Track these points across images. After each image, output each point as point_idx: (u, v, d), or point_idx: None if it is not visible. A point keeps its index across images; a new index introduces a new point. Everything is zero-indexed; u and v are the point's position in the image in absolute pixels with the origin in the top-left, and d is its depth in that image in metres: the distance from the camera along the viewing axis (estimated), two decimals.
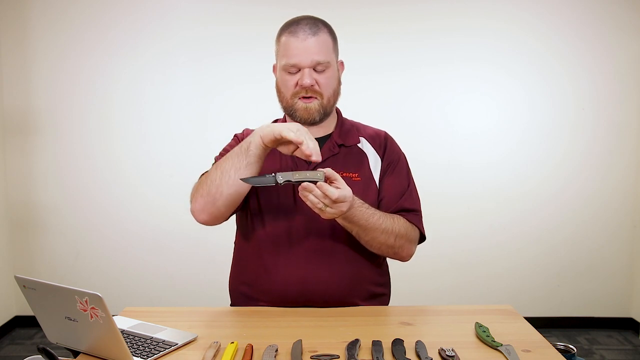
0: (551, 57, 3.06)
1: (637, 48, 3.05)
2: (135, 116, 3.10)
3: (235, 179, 1.25)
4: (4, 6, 3.03)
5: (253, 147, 1.23)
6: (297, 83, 1.32)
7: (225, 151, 1.44)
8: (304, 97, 1.33)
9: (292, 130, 1.19)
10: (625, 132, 3.10)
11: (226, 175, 1.26)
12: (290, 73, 1.32)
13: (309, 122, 1.36)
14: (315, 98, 1.33)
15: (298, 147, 1.20)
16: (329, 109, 1.37)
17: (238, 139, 1.47)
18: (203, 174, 1.38)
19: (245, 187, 1.28)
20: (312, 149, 1.17)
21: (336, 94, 1.39)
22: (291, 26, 1.33)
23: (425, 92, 3.11)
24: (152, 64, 3.06)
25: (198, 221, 1.34)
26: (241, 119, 2.93)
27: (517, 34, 3.05)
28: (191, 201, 1.34)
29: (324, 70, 1.32)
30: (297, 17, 1.36)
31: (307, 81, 1.30)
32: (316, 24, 1.33)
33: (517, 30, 3.05)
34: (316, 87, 1.32)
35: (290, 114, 1.37)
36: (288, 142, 1.21)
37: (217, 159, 1.44)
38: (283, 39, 1.33)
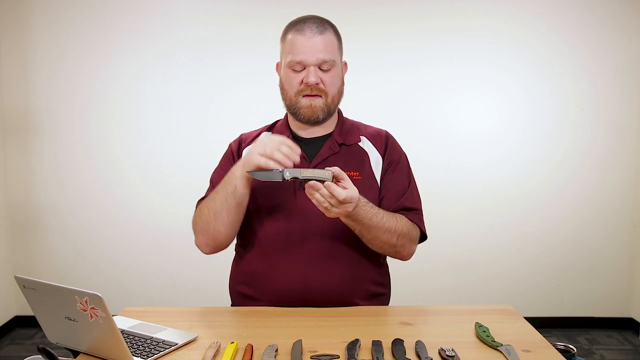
0: (551, 57, 3.06)
1: (637, 48, 3.05)
2: (135, 116, 3.10)
3: (229, 218, 1.30)
4: (4, 6, 3.03)
5: (239, 189, 1.27)
6: (302, 81, 1.32)
7: (221, 169, 1.45)
8: (308, 95, 1.33)
9: (261, 153, 1.21)
10: (625, 132, 3.10)
11: (219, 216, 1.31)
12: (295, 71, 1.32)
13: (312, 121, 1.36)
14: (320, 96, 1.33)
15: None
16: (332, 108, 1.38)
17: (232, 150, 1.47)
18: (200, 201, 1.42)
19: (238, 221, 1.33)
20: (290, 156, 1.20)
21: (340, 93, 1.39)
22: (298, 24, 1.33)
23: (425, 92, 3.11)
24: (152, 64, 3.06)
25: (204, 253, 1.41)
26: (241, 119, 2.96)
27: (517, 34, 3.05)
28: (194, 233, 1.39)
29: (329, 69, 1.33)
30: (304, 16, 1.36)
31: (312, 79, 1.30)
32: (323, 23, 1.34)
33: (517, 30, 3.05)
34: (321, 85, 1.32)
35: (294, 112, 1.37)
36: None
37: (212, 179, 1.46)
38: (289, 36, 1.33)
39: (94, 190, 3.13)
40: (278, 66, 1.41)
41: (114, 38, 3.05)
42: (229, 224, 1.32)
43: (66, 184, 3.13)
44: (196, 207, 1.41)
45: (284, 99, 1.38)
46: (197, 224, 1.37)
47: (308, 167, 1.36)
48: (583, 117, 3.09)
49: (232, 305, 1.45)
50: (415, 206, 1.42)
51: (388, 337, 1.11)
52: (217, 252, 1.40)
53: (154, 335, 1.13)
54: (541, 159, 3.12)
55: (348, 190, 1.17)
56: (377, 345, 1.08)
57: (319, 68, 1.31)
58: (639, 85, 3.08)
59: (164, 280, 3.15)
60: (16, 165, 3.12)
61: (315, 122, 1.37)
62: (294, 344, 1.08)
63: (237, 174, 1.28)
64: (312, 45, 1.30)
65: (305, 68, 1.31)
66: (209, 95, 3.09)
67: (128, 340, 1.11)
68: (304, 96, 1.33)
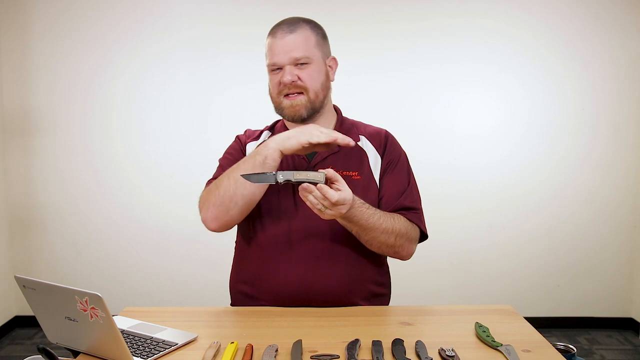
0: (551, 57, 3.06)
1: (637, 48, 3.05)
2: (135, 116, 3.10)
3: (251, 189, 1.27)
4: (4, 6, 3.03)
5: (270, 160, 1.25)
6: (279, 81, 1.33)
7: (229, 154, 1.45)
8: (288, 95, 1.34)
9: (322, 132, 1.24)
10: (625, 132, 3.10)
11: (241, 186, 1.27)
12: (274, 73, 1.35)
13: (296, 119, 1.37)
14: (301, 93, 1.34)
15: (316, 146, 1.25)
16: (317, 104, 1.37)
17: (240, 140, 1.48)
18: (209, 181, 1.39)
19: (259, 194, 1.31)
20: (345, 139, 1.24)
21: (325, 89, 1.38)
22: (273, 28, 1.37)
23: (425, 92, 3.11)
24: (152, 64, 3.06)
25: (209, 229, 1.35)
26: (241, 119, 2.95)
27: (517, 34, 3.05)
28: (201, 210, 1.34)
29: (306, 66, 1.33)
30: (279, 21, 1.39)
31: (287, 78, 1.32)
32: (296, 22, 1.35)
33: (517, 30, 3.05)
34: (299, 82, 1.33)
35: (280, 113, 1.39)
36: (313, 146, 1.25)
37: (221, 161, 1.45)
38: (266, 40, 1.37)
39: (94, 190, 3.13)
40: None
41: (114, 38, 3.05)
42: (249, 196, 1.28)
43: (66, 184, 3.13)
44: (206, 186, 1.39)
45: (272, 101, 1.40)
46: (211, 196, 1.31)
47: (307, 167, 1.37)
48: (583, 117, 3.09)
49: (232, 305, 1.45)
50: (415, 205, 1.42)
51: (388, 337, 1.11)
52: (222, 229, 1.35)
53: (154, 335, 1.13)
54: (541, 159, 3.12)
55: (341, 192, 1.17)
56: (377, 345, 1.08)
57: (295, 66, 1.32)
58: (639, 85, 3.08)
59: (164, 280, 3.15)
60: (16, 165, 3.12)
61: (301, 120, 1.37)
62: (294, 344, 1.08)
63: (270, 145, 1.26)
64: (283, 45, 1.32)
65: (281, 69, 1.33)
66: (209, 95, 3.09)
67: (128, 340, 1.11)
68: (285, 96, 1.35)
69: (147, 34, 3.05)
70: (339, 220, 1.26)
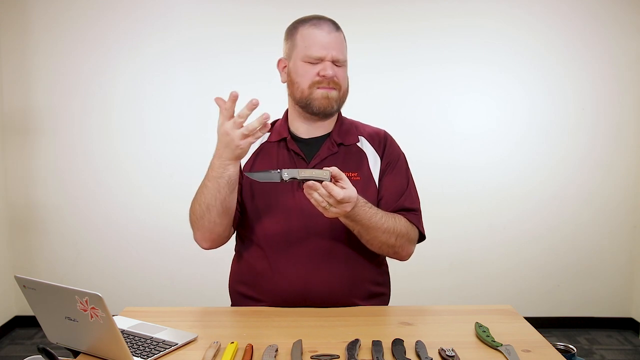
0: (551, 57, 3.06)
1: (637, 48, 3.05)
2: (135, 116, 3.10)
3: (220, 206, 1.28)
4: (4, 6, 3.03)
5: (233, 175, 1.26)
6: (317, 73, 1.32)
7: None
8: (324, 87, 1.33)
9: (244, 136, 1.23)
10: (625, 132, 3.10)
11: (213, 209, 1.28)
12: (311, 64, 1.33)
13: (327, 112, 1.36)
14: (334, 89, 1.34)
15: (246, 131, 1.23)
16: (342, 103, 1.40)
17: None
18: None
19: (233, 204, 1.31)
20: (259, 122, 1.22)
21: (348, 90, 1.40)
22: (312, 20, 1.35)
23: (425, 92, 3.11)
24: (152, 64, 3.06)
25: (204, 249, 1.38)
26: None
27: (517, 34, 3.05)
28: (192, 229, 1.36)
29: (341, 66, 1.35)
30: (314, 15, 1.38)
31: (330, 72, 1.31)
32: (334, 22, 1.37)
33: (517, 30, 3.05)
34: (336, 78, 1.33)
35: (307, 103, 1.35)
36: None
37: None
38: (305, 31, 1.34)
39: (94, 190, 3.13)
40: (280, 62, 1.41)
41: (114, 38, 3.05)
42: (223, 211, 1.29)
43: (66, 184, 3.13)
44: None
45: (295, 91, 1.37)
46: (192, 220, 1.35)
47: (306, 168, 1.37)
48: (583, 117, 3.09)
49: (232, 305, 1.45)
50: (414, 206, 1.42)
51: (388, 337, 1.11)
52: (216, 247, 1.38)
53: (154, 335, 1.13)
54: (541, 159, 3.12)
55: (346, 190, 1.17)
56: (377, 345, 1.08)
57: (334, 64, 1.33)
58: (639, 85, 3.08)
59: (164, 280, 3.15)
60: (16, 165, 3.12)
61: (329, 113, 1.37)
62: (294, 344, 1.08)
63: (226, 165, 1.26)
64: (330, 41, 1.32)
65: (321, 62, 1.32)
66: (209, 95, 3.06)
67: (128, 340, 1.11)
68: (318, 88, 1.33)
69: (147, 34, 3.05)
70: (341, 219, 1.25)
